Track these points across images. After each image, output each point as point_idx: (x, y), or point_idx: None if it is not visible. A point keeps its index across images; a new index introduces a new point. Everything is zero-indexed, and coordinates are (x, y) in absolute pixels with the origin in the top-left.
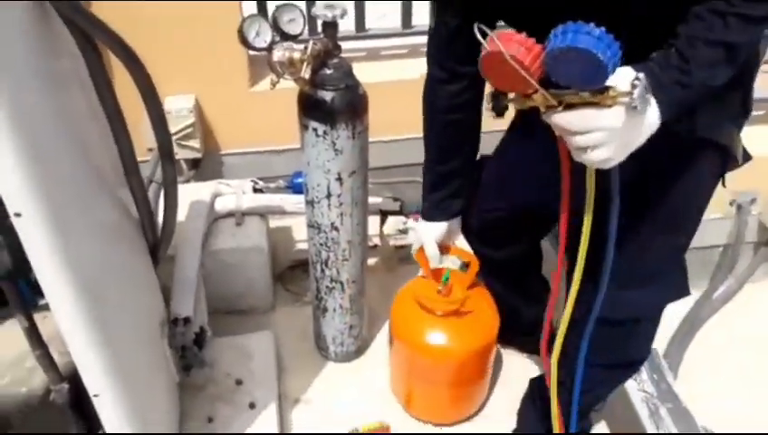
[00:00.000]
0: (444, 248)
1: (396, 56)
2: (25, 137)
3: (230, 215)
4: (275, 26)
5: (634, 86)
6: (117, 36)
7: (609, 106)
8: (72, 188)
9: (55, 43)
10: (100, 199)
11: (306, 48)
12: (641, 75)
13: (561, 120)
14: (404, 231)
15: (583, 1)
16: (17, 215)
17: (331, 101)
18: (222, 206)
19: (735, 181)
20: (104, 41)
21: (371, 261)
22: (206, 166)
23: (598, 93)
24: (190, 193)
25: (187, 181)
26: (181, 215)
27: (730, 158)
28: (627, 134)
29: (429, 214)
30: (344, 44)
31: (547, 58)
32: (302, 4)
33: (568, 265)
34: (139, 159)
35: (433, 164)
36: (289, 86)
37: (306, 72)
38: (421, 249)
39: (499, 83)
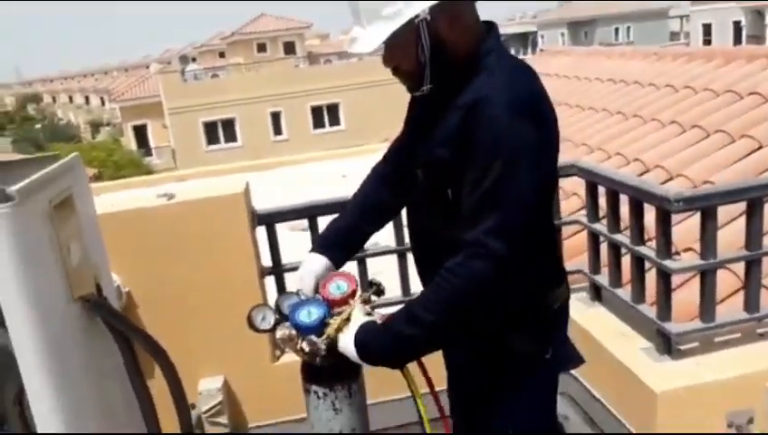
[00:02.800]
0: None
1: None
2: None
3: None
4: (278, 311)
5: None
6: (149, 336)
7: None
8: None
9: (99, 344)
10: None
11: None
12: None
13: None
14: None
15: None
16: None
17: (329, 367)
18: None
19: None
20: (138, 340)
21: None
22: None
23: None
24: None
25: None
26: None
27: (537, 362)
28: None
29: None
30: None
31: None
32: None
33: None
34: None
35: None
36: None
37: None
38: None
39: None
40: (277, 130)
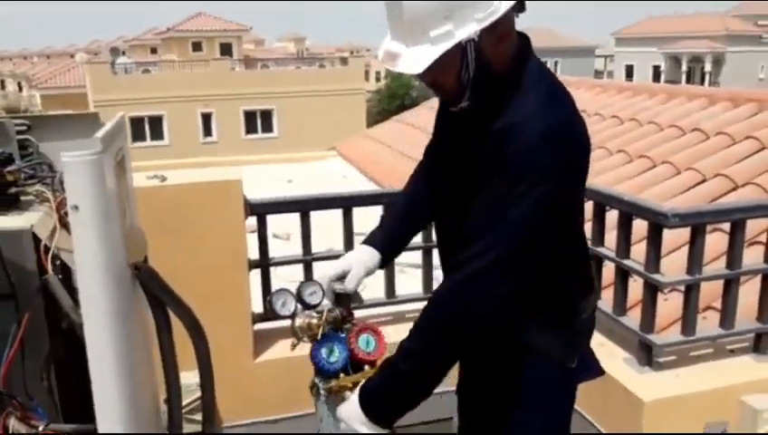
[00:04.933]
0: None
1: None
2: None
3: None
4: (299, 298)
5: None
6: (194, 317)
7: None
8: None
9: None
10: None
11: (322, 315)
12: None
13: None
14: None
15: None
16: None
17: None
18: None
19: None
20: (183, 319)
21: None
22: None
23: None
24: None
25: None
26: None
27: (557, 364)
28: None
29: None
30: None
31: None
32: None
33: None
34: None
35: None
36: (290, 356)
37: (323, 335)
38: None
39: None
40: (207, 132)
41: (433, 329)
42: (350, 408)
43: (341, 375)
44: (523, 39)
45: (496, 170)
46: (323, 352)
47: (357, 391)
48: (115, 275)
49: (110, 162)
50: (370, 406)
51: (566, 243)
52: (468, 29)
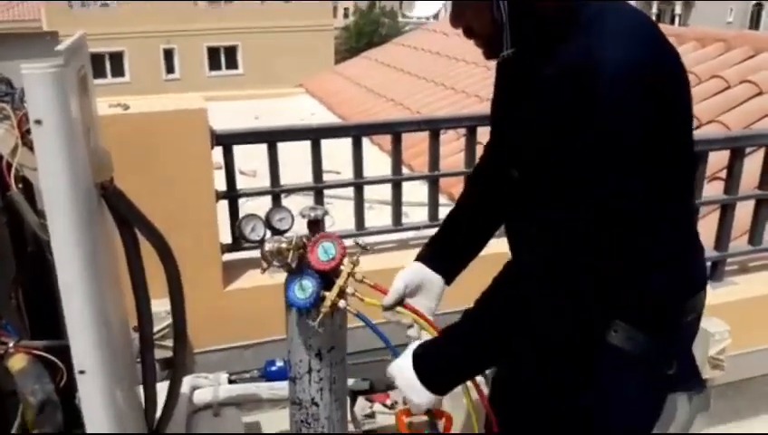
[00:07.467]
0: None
1: (387, 249)
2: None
3: (208, 407)
4: (268, 224)
5: None
6: (162, 237)
7: None
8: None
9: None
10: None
11: (292, 241)
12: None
13: None
14: (371, 416)
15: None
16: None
17: None
18: (200, 398)
19: None
20: (152, 239)
21: None
22: None
23: None
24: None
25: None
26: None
27: (655, 372)
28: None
29: (420, 253)
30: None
31: None
32: (291, 206)
33: None
34: None
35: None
36: (259, 285)
37: (293, 261)
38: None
39: None
40: (170, 69)
41: (516, 303)
42: (404, 371)
43: (325, 294)
44: None
45: (563, 124)
46: (295, 289)
47: (411, 352)
48: (81, 192)
49: (72, 77)
50: (428, 375)
51: (654, 225)
52: None
